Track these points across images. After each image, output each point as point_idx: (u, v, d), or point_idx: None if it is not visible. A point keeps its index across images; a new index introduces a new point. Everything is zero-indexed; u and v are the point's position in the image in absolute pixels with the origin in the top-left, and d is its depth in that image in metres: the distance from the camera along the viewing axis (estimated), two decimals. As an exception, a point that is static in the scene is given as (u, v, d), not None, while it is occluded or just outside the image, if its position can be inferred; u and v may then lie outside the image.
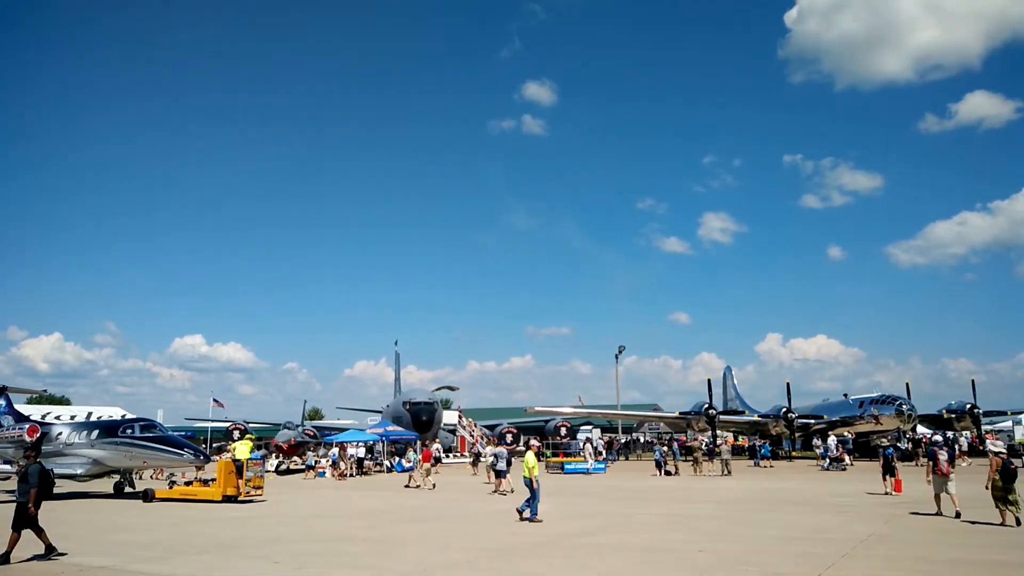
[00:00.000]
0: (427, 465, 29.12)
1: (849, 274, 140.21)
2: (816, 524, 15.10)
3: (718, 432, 52.50)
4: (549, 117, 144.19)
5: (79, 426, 26.59)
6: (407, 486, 28.79)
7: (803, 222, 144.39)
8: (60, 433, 25.60)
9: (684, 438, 61.53)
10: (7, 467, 24.77)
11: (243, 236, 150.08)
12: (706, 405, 50.89)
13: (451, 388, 64.36)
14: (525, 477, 16.35)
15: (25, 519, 11.79)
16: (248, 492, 22.06)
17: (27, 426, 26.17)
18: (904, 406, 45.40)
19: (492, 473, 26.85)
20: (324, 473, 38.93)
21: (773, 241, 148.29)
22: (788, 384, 50.89)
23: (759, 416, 54.50)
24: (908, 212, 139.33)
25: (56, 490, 25.15)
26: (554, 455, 49.08)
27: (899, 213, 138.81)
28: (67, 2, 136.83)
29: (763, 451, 44.02)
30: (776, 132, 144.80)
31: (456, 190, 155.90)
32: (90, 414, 67.07)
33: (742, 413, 59.83)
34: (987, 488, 14.54)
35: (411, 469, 30.78)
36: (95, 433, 24.56)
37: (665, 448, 37.84)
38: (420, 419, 49.72)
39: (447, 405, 64.28)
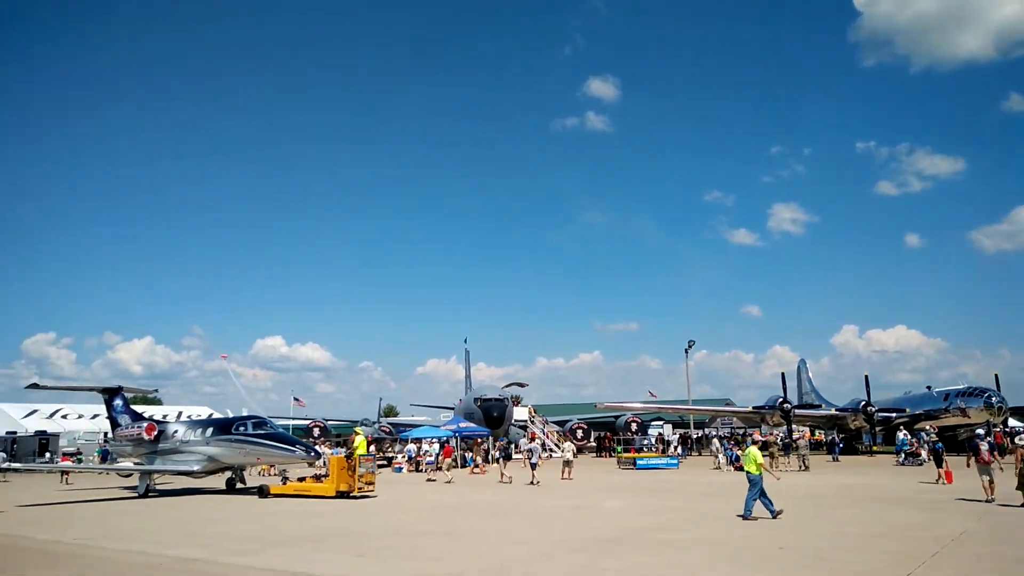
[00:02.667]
0: (448, 460, 32.84)
1: (929, 262, 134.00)
2: (901, 520, 15.17)
3: (794, 427, 51.66)
4: (613, 113, 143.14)
5: (194, 424, 27.51)
6: (429, 479, 30.85)
7: (878, 210, 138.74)
8: (176, 431, 26.62)
9: (758, 433, 60.68)
10: (128, 464, 26.69)
11: (317, 241, 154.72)
12: (780, 399, 50.10)
13: (521, 384, 65.15)
14: (751, 472, 15.72)
15: None
16: (361, 488, 22.32)
17: (145, 424, 27.32)
18: (993, 398, 43.68)
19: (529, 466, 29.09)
20: (401, 469, 40.30)
21: (847, 230, 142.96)
22: (866, 377, 49.62)
23: (836, 410, 53.29)
24: (993, 195, 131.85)
25: (171, 486, 27.42)
26: (625, 451, 49.42)
27: (983, 197, 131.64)
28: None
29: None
30: (848, 119, 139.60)
31: (520, 188, 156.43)
32: (180, 413, 71.06)
33: (818, 407, 58.52)
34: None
35: (432, 463, 33.35)
36: (209, 431, 25.35)
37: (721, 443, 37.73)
38: (491, 415, 50.68)
39: (518, 401, 65.14)
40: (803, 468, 32.84)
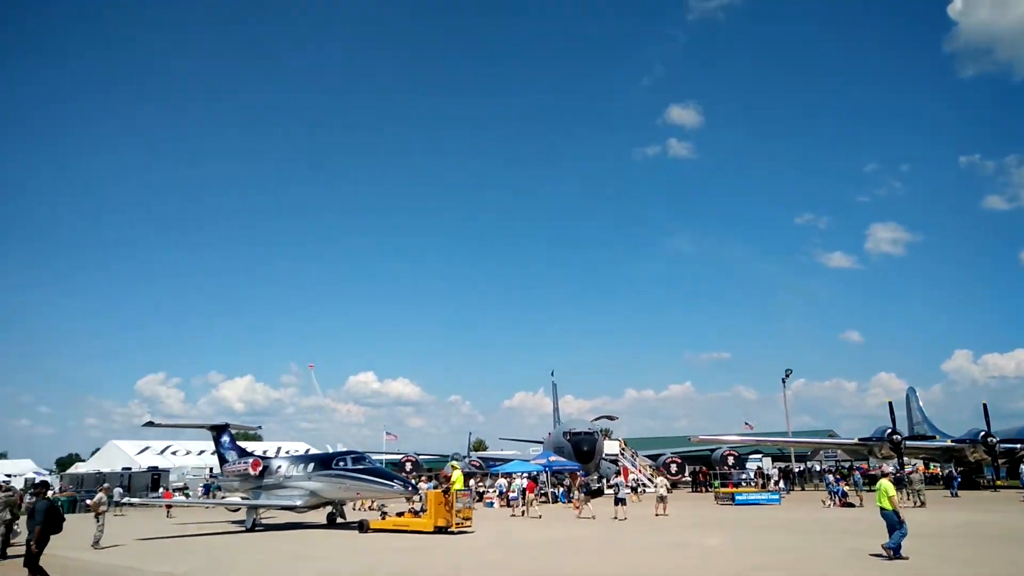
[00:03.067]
0: (531, 496, 31.97)
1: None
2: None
3: (905, 459, 48.44)
4: (695, 139, 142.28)
5: (297, 459, 28.30)
6: (512, 515, 30.39)
7: (988, 226, 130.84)
8: (280, 467, 27.37)
9: (866, 466, 57.24)
10: (236, 499, 27.80)
11: (405, 279, 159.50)
12: (889, 430, 47.16)
13: (610, 417, 64.07)
14: (884, 508, 14.75)
15: (28, 557, 11.56)
16: (459, 523, 22.29)
17: (251, 460, 28.36)
18: None
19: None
20: (492, 504, 40.22)
21: (953, 249, 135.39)
22: (984, 405, 46.03)
23: (953, 441, 49.64)
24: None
25: (275, 520, 28.39)
26: (722, 485, 47.62)
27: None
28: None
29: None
30: (948, 132, 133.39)
31: (604, 218, 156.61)
32: (279, 449, 73.76)
33: (931, 438, 54.67)
34: None
35: (516, 499, 32.96)
36: (311, 466, 25.85)
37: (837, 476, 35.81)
38: (581, 449, 50.01)
39: (608, 435, 64.11)
40: (918, 504, 30.70)
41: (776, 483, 48.10)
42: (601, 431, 57.00)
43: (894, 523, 14.52)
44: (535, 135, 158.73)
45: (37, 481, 18.37)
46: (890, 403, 48.99)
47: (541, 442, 65.74)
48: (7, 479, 66.20)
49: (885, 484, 15.14)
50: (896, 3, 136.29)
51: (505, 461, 56.03)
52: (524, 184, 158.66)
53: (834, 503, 33.17)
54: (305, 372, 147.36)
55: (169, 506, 37.55)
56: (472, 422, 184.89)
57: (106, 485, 29.66)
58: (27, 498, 24.75)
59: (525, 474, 44.83)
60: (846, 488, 35.42)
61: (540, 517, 28.69)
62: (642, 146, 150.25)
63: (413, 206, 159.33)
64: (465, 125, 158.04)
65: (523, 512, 30.70)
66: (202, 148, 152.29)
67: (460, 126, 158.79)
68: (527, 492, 32.84)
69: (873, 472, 48.68)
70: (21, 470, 77.55)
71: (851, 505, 32.43)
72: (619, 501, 28.04)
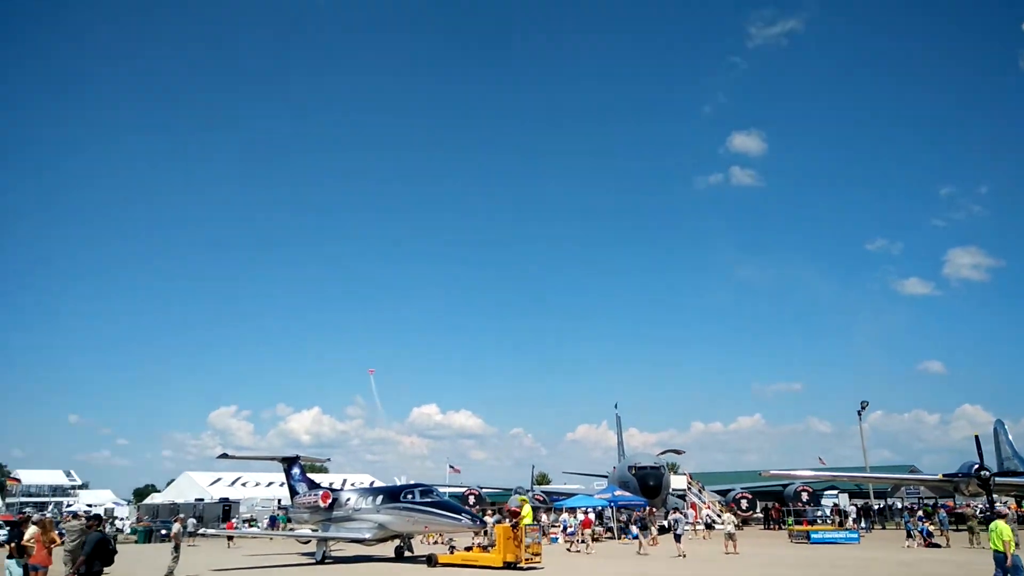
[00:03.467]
0: (588, 531, 31.96)
1: None
2: None
3: (994, 496, 45.56)
4: (759, 166, 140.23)
5: (365, 492, 28.35)
6: (569, 551, 30.05)
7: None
8: (349, 499, 27.48)
9: (951, 504, 54.09)
10: (306, 531, 28.22)
11: (467, 311, 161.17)
12: (976, 465, 44.52)
13: (677, 451, 62.71)
14: (998, 551, 13.49)
15: None
16: (528, 559, 21.90)
17: (320, 492, 28.69)
18: None
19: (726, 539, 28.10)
20: (557, 539, 39.65)
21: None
22: (1083, 439, 43.13)
23: (1048, 477, 46.52)
24: None
25: (344, 553, 28.69)
26: (796, 522, 45.74)
27: None
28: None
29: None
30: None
31: (668, 247, 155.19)
32: (344, 481, 74.77)
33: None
34: None
35: (572, 535, 32.42)
36: (379, 499, 25.80)
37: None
38: (647, 484, 48.98)
39: (674, 469, 62.61)
40: (1013, 545, 28.75)
41: (854, 521, 45.95)
42: (667, 465, 55.78)
43: (1017, 568, 13.22)
44: (595, 165, 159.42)
45: (91, 514, 19.00)
46: (976, 437, 46.35)
47: (605, 476, 64.71)
48: (88, 508, 69.30)
49: (1001, 526, 13.73)
50: (969, 20, 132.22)
51: (569, 495, 55.30)
52: (586, 214, 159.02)
53: (920, 542, 31.45)
54: (369, 404, 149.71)
55: (230, 537, 38.54)
56: (535, 455, 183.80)
57: (181, 516, 30.62)
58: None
59: (589, 509, 44.16)
60: (931, 527, 33.58)
61: (592, 553, 28.21)
62: (704, 174, 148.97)
63: (474, 239, 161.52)
64: (527, 154, 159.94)
65: (583, 547, 30.24)
66: (266, 192, 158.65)
67: (520, 153, 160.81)
68: (583, 527, 32.43)
69: (960, 510, 45.95)
70: (101, 500, 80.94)
71: (936, 546, 30.70)
72: (677, 538, 27.75)
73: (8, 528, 29.60)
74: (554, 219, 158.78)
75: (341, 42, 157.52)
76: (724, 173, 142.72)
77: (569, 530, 36.04)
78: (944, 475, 48.35)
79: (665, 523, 40.14)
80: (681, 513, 35.50)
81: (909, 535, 32.30)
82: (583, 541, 31.01)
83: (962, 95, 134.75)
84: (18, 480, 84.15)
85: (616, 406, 70.90)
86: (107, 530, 32.21)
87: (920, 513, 40.42)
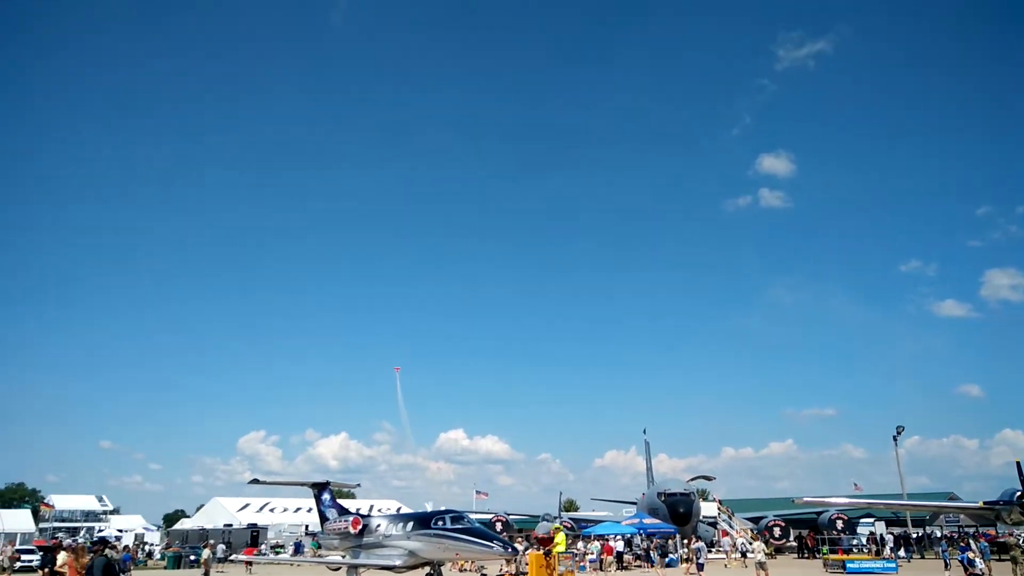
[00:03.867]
0: (608, 558, 32.62)
1: None
2: None
3: (1039, 526, 44.15)
4: (788, 188, 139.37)
5: (395, 518, 28.00)
6: None
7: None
8: (379, 525, 27.16)
9: (993, 533, 52.43)
10: (336, 557, 28.15)
11: (492, 334, 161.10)
12: (1018, 493, 43.05)
13: (707, 478, 61.75)
14: None
15: None
16: None
17: (351, 518, 28.57)
18: None
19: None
20: (585, 567, 39.14)
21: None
22: None
23: (1094, 505, 44.88)
24: None
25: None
26: (831, 551, 44.65)
27: None
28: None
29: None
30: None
31: (698, 270, 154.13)
32: (371, 507, 74.69)
33: (1069, 502, 49.66)
34: None
35: (595, 561, 32.01)
36: (410, 525, 25.42)
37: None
38: (677, 511, 48.30)
39: (704, 496, 61.68)
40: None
41: (892, 550, 44.77)
42: (697, 492, 55.00)
43: None
44: (620, 189, 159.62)
45: (95, 538, 18.87)
46: (1018, 463, 44.87)
47: (634, 503, 63.92)
48: (119, 534, 70.00)
49: None
50: (999, 40, 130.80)
51: (597, 522, 54.70)
52: (612, 238, 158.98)
53: (961, 573, 30.49)
54: (396, 430, 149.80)
55: (249, 563, 39.26)
56: (562, 481, 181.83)
57: (211, 542, 30.82)
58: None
59: (617, 536, 43.59)
60: (972, 556, 32.55)
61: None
62: (733, 197, 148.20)
63: (500, 262, 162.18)
64: (553, 173, 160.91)
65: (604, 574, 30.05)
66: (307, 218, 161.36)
67: (543, 176, 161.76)
68: (604, 554, 32.16)
69: (1002, 539, 44.47)
70: (132, 525, 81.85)
71: (980, 576, 29.69)
72: (700, 567, 27.67)
73: (41, 554, 30.00)
74: (580, 243, 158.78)
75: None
76: (753, 195, 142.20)
77: (590, 557, 35.69)
78: (985, 503, 46.91)
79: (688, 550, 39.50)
80: (704, 542, 34.95)
81: (947, 565, 31.37)
82: (604, 568, 30.70)
83: (996, 115, 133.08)
84: (51, 506, 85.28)
85: (645, 431, 70.32)
86: (118, 553, 32.58)
87: (962, 543, 39.25)
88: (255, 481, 32.33)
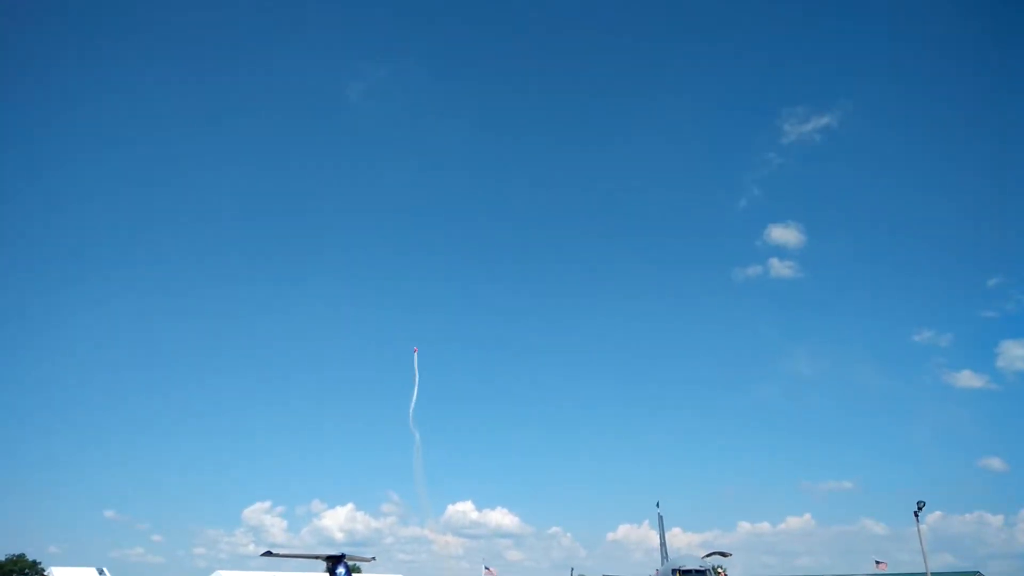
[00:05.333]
0: None
1: None
2: None
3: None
4: (799, 258, 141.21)
5: None
6: None
7: None
8: None
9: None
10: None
11: (504, 403, 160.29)
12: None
13: (723, 554, 60.14)
14: None
15: None
16: None
17: None
18: None
19: None
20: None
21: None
22: None
23: None
24: None
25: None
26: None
27: None
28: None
29: None
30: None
31: (705, 340, 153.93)
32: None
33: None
34: None
35: None
36: None
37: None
38: (694, 588, 47.13)
39: (721, 572, 59.98)
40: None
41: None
42: (713, 568, 53.59)
43: None
44: (629, 259, 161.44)
45: None
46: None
47: (648, 580, 62.22)
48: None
49: None
50: (1002, 111, 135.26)
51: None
52: (617, 311, 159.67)
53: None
54: (404, 501, 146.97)
55: None
56: (574, 556, 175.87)
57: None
58: None
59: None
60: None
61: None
62: (743, 266, 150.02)
63: (513, 335, 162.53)
64: (551, 256, 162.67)
65: None
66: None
67: (543, 256, 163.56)
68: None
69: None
70: (133, 599, 79.63)
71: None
72: None
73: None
74: (589, 319, 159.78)
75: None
76: (763, 265, 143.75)
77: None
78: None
79: None
80: None
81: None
82: None
83: (1001, 185, 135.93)
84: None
85: (658, 505, 69.03)
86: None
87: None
88: (267, 553, 31.71)
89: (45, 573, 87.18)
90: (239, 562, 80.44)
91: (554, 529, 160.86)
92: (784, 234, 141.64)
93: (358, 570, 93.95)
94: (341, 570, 30.72)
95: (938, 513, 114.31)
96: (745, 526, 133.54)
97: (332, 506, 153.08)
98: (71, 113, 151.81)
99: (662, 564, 58.80)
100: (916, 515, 52.45)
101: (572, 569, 79.48)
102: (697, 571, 48.58)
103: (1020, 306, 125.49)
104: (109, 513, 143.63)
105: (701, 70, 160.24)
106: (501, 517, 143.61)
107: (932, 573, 56.09)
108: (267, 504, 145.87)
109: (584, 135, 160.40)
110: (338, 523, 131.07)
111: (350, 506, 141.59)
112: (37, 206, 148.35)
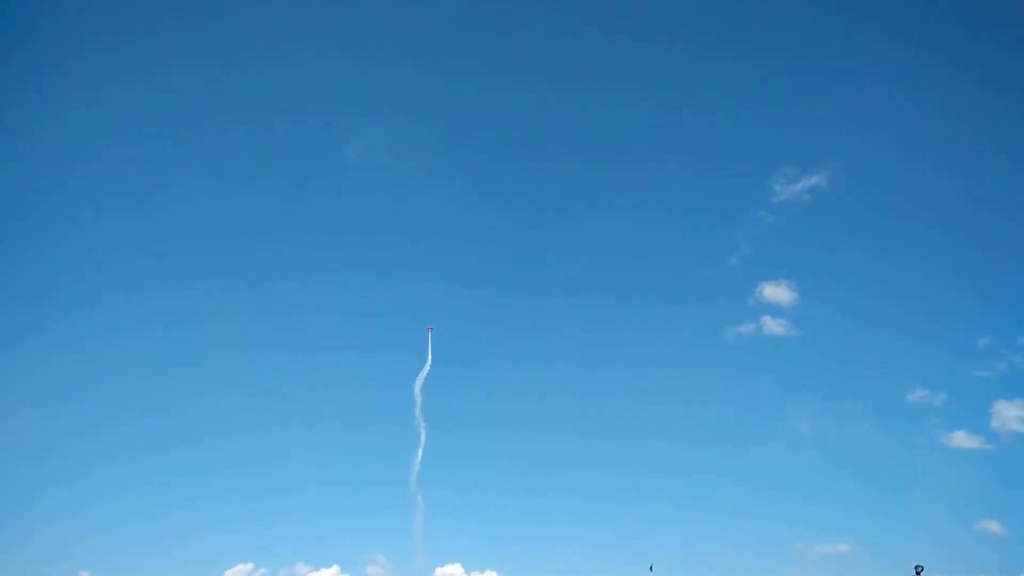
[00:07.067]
0: None
1: None
2: None
3: None
4: (791, 316, 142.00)
5: None
6: None
7: None
8: None
9: None
10: None
11: (493, 462, 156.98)
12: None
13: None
14: None
15: None
16: None
17: None
18: None
19: None
20: None
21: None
22: None
23: None
24: None
25: None
26: None
27: None
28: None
29: None
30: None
31: (698, 397, 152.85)
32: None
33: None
34: None
35: None
36: None
37: None
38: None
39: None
40: None
41: None
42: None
43: None
44: (615, 314, 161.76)
45: None
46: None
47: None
48: None
49: None
50: (990, 163, 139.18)
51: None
52: (605, 369, 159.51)
53: None
54: (392, 562, 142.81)
55: None
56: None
57: None
58: None
59: None
60: None
61: None
62: (735, 324, 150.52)
63: (505, 396, 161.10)
64: (553, 316, 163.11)
65: None
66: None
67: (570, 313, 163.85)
68: None
69: None
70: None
71: None
72: None
73: None
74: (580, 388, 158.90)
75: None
76: (756, 323, 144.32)
77: None
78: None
79: None
80: None
81: None
82: None
83: (991, 244, 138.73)
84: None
85: (652, 568, 67.17)
86: None
87: None
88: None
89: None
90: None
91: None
92: (776, 292, 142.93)
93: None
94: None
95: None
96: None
97: (317, 568, 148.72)
98: (61, 188, 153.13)
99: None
100: (916, 580, 51.02)
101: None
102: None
103: (1012, 367, 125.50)
104: (84, 574, 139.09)
105: (691, 131, 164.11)
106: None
107: (936, 642, 54.17)
108: (249, 566, 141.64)
109: (575, 200, 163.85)
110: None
111: (335, 568, 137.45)
112: None
